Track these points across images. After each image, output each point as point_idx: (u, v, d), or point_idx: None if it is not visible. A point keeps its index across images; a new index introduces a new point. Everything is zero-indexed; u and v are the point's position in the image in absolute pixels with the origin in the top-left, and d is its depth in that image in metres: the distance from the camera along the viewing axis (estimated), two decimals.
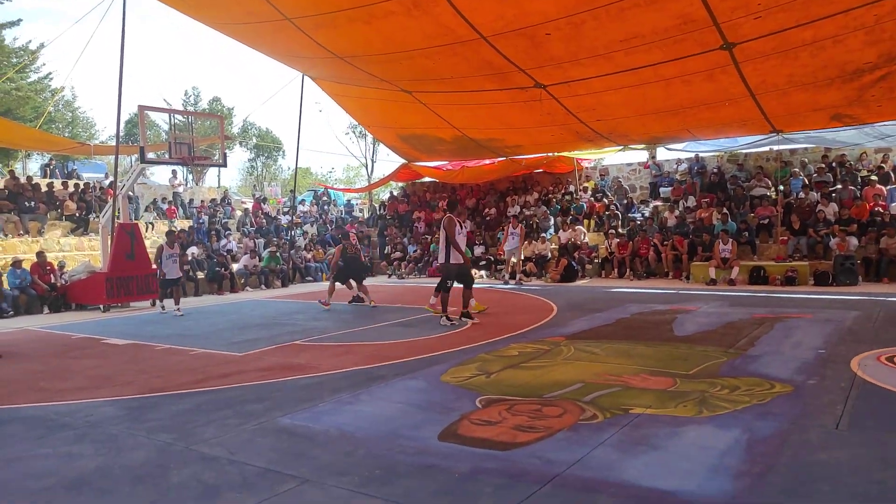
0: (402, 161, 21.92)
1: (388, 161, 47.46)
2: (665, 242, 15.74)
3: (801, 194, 15.95)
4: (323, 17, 11.25)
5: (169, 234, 12.95)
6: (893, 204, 14.82)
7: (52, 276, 13.28)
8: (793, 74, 12.27)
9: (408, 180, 24.95)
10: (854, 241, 13.64)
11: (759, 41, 11.01)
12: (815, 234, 14.49)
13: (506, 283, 15.75)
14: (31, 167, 32.27)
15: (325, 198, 26.79)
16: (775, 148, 17.02)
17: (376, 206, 26.90)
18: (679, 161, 19.73)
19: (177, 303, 11.94)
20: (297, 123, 17.82)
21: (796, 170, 17.35)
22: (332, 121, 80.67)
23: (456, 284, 9.51)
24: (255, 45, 14.57)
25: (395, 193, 26.67)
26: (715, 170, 18.28)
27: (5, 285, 12.61)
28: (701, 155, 19.03)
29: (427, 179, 25.07)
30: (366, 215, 26.08)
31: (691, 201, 17.49)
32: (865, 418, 4.37)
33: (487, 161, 20.91)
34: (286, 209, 23.64)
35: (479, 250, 18.58)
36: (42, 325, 10.75)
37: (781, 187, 16.79)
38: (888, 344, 6.76)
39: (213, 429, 4.55)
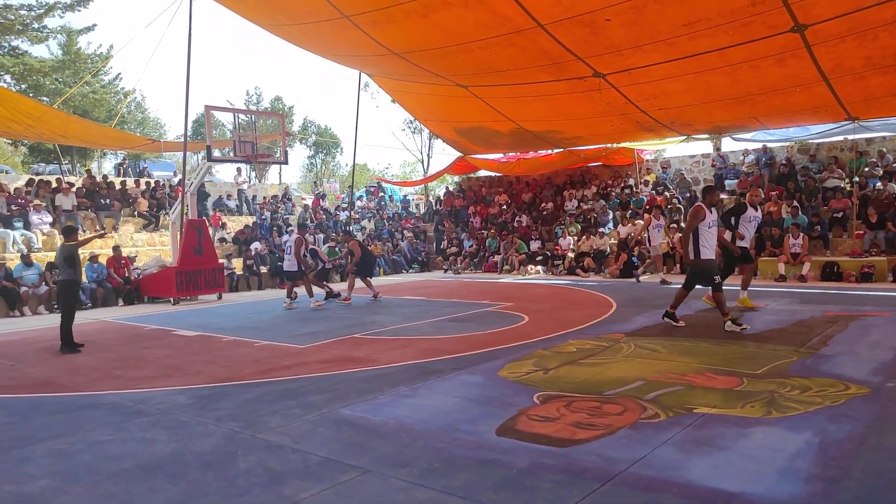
0: (458, 154, 21.96)
1: (444, 155, 47.59)
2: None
3: (879, 185, 15.08)
4: (380, 13, 11.37)
5: (301, 227, 13.35)
6: None
7: (125, 269, 13.96)
8: (871, 57, 11.59)
9: (463, 173, 24.99)
10: None
11: (833, 22, 10.45)
12: (893, 227, 13.67)
13: (637, 280, 14.59)
14: (106, 166, 34.04)
15: (380, 193, 27.11)
16: (850, 137, 16.15)
17: (432, 201, 27.04)
18: (746, 152, 18.98)
19: (288, 294, 11.83)
20: (354, 120, 18.10)
21: (873, 160, 16.40)
22: (389, 117, 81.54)
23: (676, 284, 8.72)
24: (311, 48, 14.87)
25: (450, 189, 26.75)
26: (784, 161, 17.50)
27: (84, 279, 13.34)
28: (769, 145, 18.24)
29: (483, 174, 25.05)
30: (422, 210, 26.25)
31: (759, 194, 16.78)
32: None
33: (544, 152, 20.71)
34: (344, 205, 24.05)
35: (535, 245, 18.43)
36: (117, 317, 11.32)
37: (857, 178, 15.90)
38: None
39: (277, 418, 4.69)
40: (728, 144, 19.81)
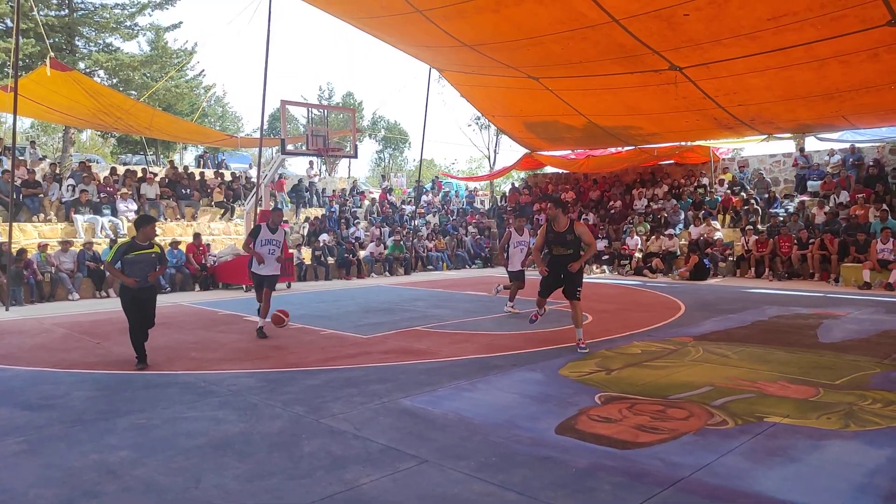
0: (525, 151, 21.79)
1: (511, 152, 47.39)
2: (812, 241, 14.43)
3: None
4: (452, 8, 11.41)
5: (520, 215, 11.72)
6: None
7: (203, 256, 14.63)
8: None
9: (529, 169, 24.76)
10: None
11: None
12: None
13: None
14: (187, 158, 35.70)
15: (442, 187, 27.22)
16: None
17: (497, 197, 26.94)
18: (832, 152, 17.95)
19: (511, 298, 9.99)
20: (423, 116, 18.25)
21: None
22: (457, 113, 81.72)
23: None
24: (385, 38, 15.08)
25: (516, 185, 26.55)
26: (873, 162, 16.46)
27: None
28: (858, 145, 17.20)
29: (549, 170, 24.75)
30: (486, 206, 26.22)
31: (844, 196, 15.87)
32: None
33: (614, 150, 20.24)
34: (409, 199, 24.32)
35: (602, 244, 18.08)
36: (193, 301, 11.88)
37: None
38: None
39: (340, 405, 4.81)
40: (812, 144, 18.80)
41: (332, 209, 20.70)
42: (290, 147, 15.86)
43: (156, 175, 18.47)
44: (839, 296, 11.52)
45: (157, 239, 6.62)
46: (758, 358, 6.28)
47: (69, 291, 12.43)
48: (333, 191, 23.64)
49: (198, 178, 19.55)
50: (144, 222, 6.38)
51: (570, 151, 21.85)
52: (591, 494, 3.20)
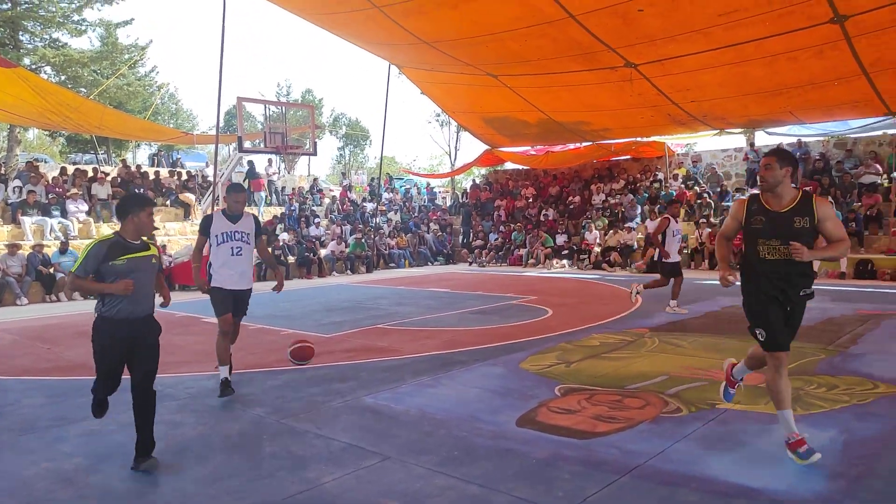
0: (486, 147, 21.92)
1: (472, 149, 47.54)
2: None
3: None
4: (411, 4, 11.41)
5: (670, 202, 9.71)
6: None
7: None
8: None
9: (490, 166, 24.91)
10: None
11: (875, 13, 10.17)
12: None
13: None
14: (140, 157, 34.77)
15: (400, 183, 27.17)
16: (890, 132, 15.69)
17: (459, 194, 27.03)
18: (780, 146, 18.58)
19: None
20: (383, 112, 18.19)
21: None
22: (418, 109, 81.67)
23: None
24: (343, 34, 14.98)
25: (477, 182, 26.68)
26: (819, 156, 17.10)
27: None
28: (804, 140, 17.84)
29: (509, 167, 24.95)
30: (448, 203, 26.28)
31: None
32: None
33: (573, 146, 20.55)
34: (369, 198, 24.21)
35: (561, 239, 18.34)
36: None
37: (895, 174, 15.47)
38: None
39: (301, 404, 4.79)
40: (761, 139, 19.42)
41: (292, 207, 20.45)
42: (247, 144, 15.63)
43: (107, 174, 17.93)
44: None
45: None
46: (711, 347, 6.48)
47: (17, 296, 11.99)
48: (293, 189, 23.35)
49: (152, 177, 19.07)
50: (136, 205, 3.77)
51: (529, 147, 22.07)
52: (550, 484, 3.27)
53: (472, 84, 16.16)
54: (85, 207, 15.71)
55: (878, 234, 14.29)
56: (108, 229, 14.31)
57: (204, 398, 5.05)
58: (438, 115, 32.08)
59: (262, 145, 14.78)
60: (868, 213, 14.65)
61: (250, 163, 19.20)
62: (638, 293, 9.35)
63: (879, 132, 16.19)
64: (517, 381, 5.36)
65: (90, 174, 17.66)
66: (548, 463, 3.54)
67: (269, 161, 23.47)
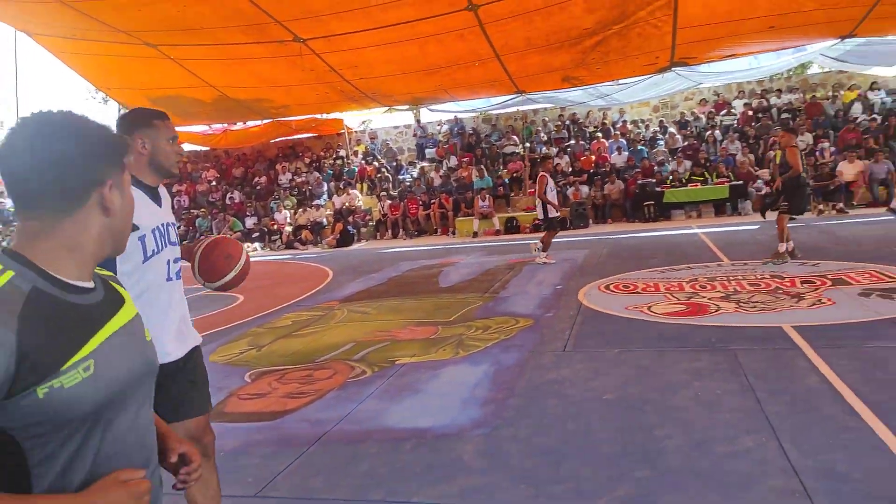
0: None
1: None
2: (433, 201, 16.65)
3: (544, 149, 17.93)
4: None
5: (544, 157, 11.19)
6: (613, 155, 17.36)
7: None
8: (529, 38, 13.52)
9: None
10: (585, 189, 15.78)
11: (499, 4, 11.86)
12: (555, 185, 16.44)
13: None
14: None
15: None
16: (521, 108, 18.77)
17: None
18: (441, 122, 20.81)
19: None
20: (14, 89, 15.16)
21: (538, 128, 19.39)
22: (65, 84, 69.90)
23: None
24: None
25: None
26: (471, 130, 19.64)
27: None
28: (459, 116, 20.27)
29: (187, 148, 23.20)
30: None
31: (453, 161, 18.65)
32: (586, 339, 5.20)
33: (253, 123, 19.96)
34: None
35: (250, 222, 17.87)
36: None
37: (527, 144, 18.66)
38: (607, 274, 8.04)
39: None
40: (426, 115, 21.49)
41: None
42: None
43: None
44: (456, 246, 13.63)
45: None
46: (392, 309, 7.08)
47: None
48: None
49: None
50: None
51: (206, 127, 20.77)
52: (240, 473, 3.25)
53: (130, 55, 14.36)
54: None
55: (520, 195, 17.13)
56: None
57: None
58: (97, 92, 27.93)
59: None
60: (512, 177, 17.44)
61: None
62: (546, 255, 9.60)
63: (514, 108, 19.27)
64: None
65: None
66: (239, 452, 3.51)
67: None
